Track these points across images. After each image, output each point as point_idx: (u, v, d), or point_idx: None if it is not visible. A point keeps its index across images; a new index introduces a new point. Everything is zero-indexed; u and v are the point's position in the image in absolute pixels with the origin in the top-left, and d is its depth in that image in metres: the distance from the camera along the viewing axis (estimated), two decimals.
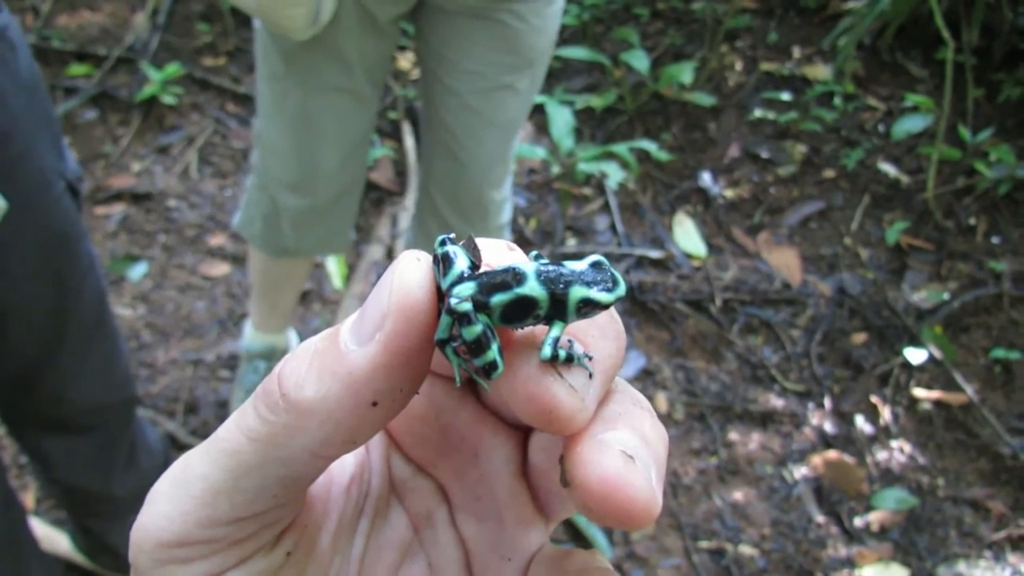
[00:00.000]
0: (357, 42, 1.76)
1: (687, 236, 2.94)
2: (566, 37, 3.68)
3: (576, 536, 2.20)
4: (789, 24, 3.75)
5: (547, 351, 0.36)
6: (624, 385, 0.41)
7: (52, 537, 2.00)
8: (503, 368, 0.37)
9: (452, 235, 0.40)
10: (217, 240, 2.88)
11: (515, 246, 0.41)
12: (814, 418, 2.50)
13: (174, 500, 0.38)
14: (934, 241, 2.96)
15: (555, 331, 0.37)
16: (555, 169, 3.04)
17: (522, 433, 0.46)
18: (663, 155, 3.01)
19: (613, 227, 2.98)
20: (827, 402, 2.53)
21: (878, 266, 2.90)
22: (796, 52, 3.62)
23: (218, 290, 2.73)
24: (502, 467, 0.45)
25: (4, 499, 1.48)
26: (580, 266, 0.39)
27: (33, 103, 1.31)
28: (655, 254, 2.87)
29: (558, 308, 0.37)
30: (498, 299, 0.37)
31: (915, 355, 2.60)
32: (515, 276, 0.37)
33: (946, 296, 2.77)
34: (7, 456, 2.24)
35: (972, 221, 3.00)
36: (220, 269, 2.79)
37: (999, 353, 2.60)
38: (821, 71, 3.53)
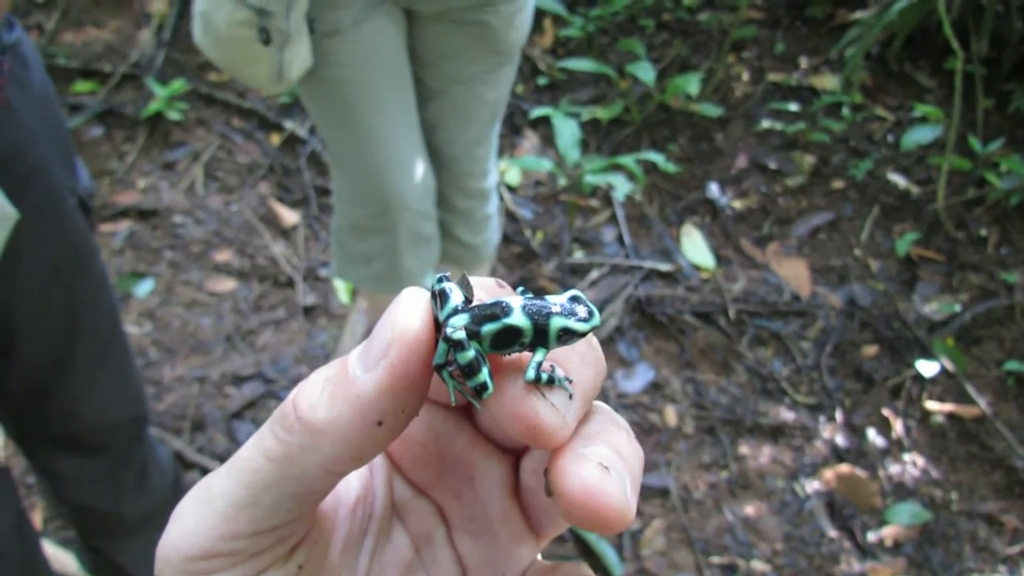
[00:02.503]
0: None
1: (695, 248, 2.92)
2: (571, 49, 3.67)
3: (587, 553, 2.18)
4: (796, 34, 3.73)
5: (531, 373, 0.41)
6: (604, 408, 0.45)
7: (60, 558, 1.98)
8: (493, 389, 0.42)
9: (448, 273, 0.45)
10: (223, 256, 2.87)
11: (504, 283, 0.47)
12: (825, 431, 2.47)
13: (198, 516, 0.42)
14: (945, 252, 2.93)
15: (538, 356, 0.42)
16: (561, 181, 3.02)
17: (514, 457, 0.50)
18: (670, 166, 2.99)
19: (620, 239, 2.97)
20: (838, 415, 2.51)
21: (888, 277, 2.87)
22: (803, 62, 3.61)
23: (224, 306, 2.72)
24: (496, 488, 0.50)
25: (18, 524, 1.47)
26: (560, 299, 0.45)
27: (46, 119, 1.31)
28: (663, 266, 2.86)
29: (541, 336, 0.43)
30: (488, 328, 0.43)
31: (927, 368, 2.58)
32: (503, 308, 0.43)
33: (958, 308, 2.75)
34: (15, 472, 2.23)
35: (983, 232, 2.97)
36: (226, 285, 2.79)
37: (1012, 365, 2.57)
38: (829, 81, 3.51)
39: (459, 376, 0.43)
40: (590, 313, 0.44)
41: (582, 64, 3.26)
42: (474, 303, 0.44)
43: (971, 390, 2.52)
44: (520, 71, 3.53)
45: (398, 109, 1.88)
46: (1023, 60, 3.35)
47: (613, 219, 3.04)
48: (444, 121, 1.99)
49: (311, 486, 0.42)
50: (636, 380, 2.53)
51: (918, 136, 3.05)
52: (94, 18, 3.75)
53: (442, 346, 0.42)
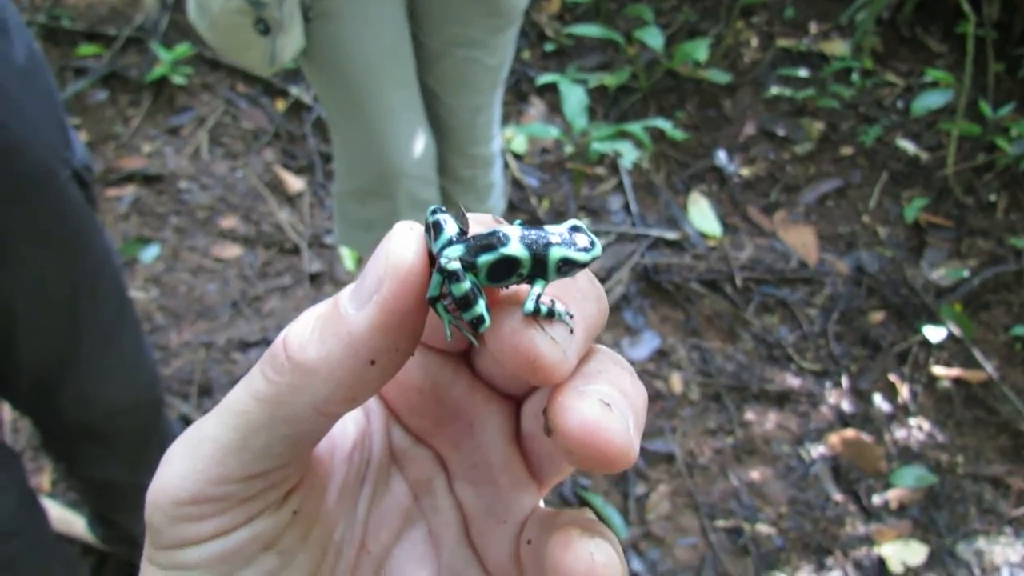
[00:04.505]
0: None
1: (702, 215, 2.91)
2: (579, 15, 3.63)
3: None
4: None
5: (529, 305, 0.39)
6: (606, 348, 0.44)
7: (67, 519, 2.00)
8: (490, 322, 0.40)
9: (443, 206, 0.43)
10: (229, 222, 2.87)
11: (502, 220, 0.45)
12: (831, 397, 2.47)
13: (188, 460, 0.41)
14: (953, 218, 2.91)
15: (537, 288, 0.40)
16: (568, 149, 3.01)
17: (514, 403, 0.49)
18: (678, 134, 2.97)
19: (627, 207, 2.95)
20: (844, 381, 2.51)
21: (896, 244, 2.86)
22: (813, 28, 3.57)
23: (230, 272, 2.72)
24: (496, 435, 0.49)
25: (27, 502, 1.43)
26: (560, 229, 0.43)
27: (32, 89, 1.25)
28: (670, 234, 2.84)
29: (539, 267, 0.41)
30: (484, 259, 0.41)
31: (934, 333, 2.57)
32: (499, 238, 0.41)
33: (966, 273, 2.73)
34: (22, 439, 2.25)
35: (992, 198, 2.95)
36: (232, 251, 2.79)
37: (1019, 331, 2.56)
38: (839, 47, 3.47)
39: (454, 310, 0.41)
40: (591, 243, 0.43)
41: (590, 30, 3.22)
42: (470, 235, 0.42)
43: (978, 355, 2.52)
44: (527, 37, 3.50)
45: (396, 73, 1.86)
46: None
47: (620, 187, 3.03)
48: (445, 87, 1.97)
49: (303, 428, 0.41)
50: (642, 348, 2.53)
51: (928, 101, 3.02)
52: None
53: (436, 278, 0.41)
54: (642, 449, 2.32)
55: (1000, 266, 2.74)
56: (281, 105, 3.27)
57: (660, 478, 2.28)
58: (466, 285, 0.40)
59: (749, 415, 2.42)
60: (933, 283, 2.73)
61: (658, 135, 3.09)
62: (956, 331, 2.57)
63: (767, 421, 2.41)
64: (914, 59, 3.43)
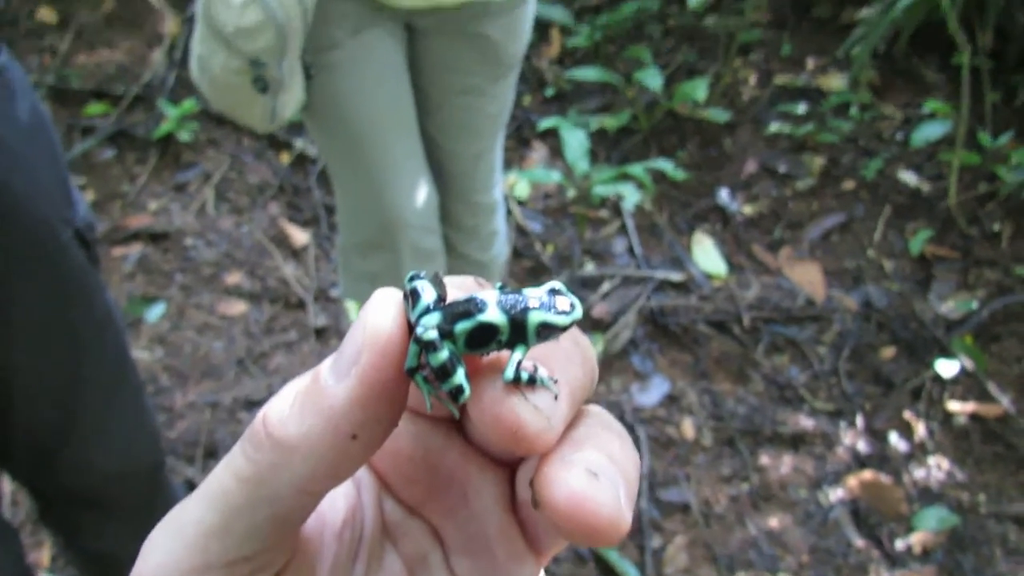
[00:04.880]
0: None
1: (707, 255, 2.90)
2: (578, 58, 3.66)
3: (607, 572, 2.16)
4: (802, 35, 3.71)
5: (509, 373, 0.38)
6: (597, 410, 0.42)
7: None
8: (469, 392, 0.39)
9: (421, 272, 0.42)
10: (234, 278, 2.87)
11: (484, 281, 0.44)
12: (847, 437, 2.44)
13: (168, 549, 0.40)
14: (959, 249, 2.90)
15: (517, 354, 0.39)
16: (570, 193, 3.01)
17: (509, 470, 0.47)
18: (679, 174, 2.98)
19: (631, 249, 2.95)
20: (859, 420, 2.48)
21: (903, 277, 2.84)
22: (810, 63, 3.58)
23: (236, 329, 2.72)
24: (491, 504, 0.46)
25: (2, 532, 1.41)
26: (538, 292, 0.42)
27: (36, 148, 1.25)
28: (675, 276, 2.84)
29: (519, 333, 0.40)
30: (461, 327, 0.40)
31: (947, 367, 2.55)
32: (476, 305, 0.40)
33: (975, 305, 2.71)
34: (21, 512, 2.22)
35: (996, 227, 2.94)
36: (238, 308, 2.79)
37: None
38: (836, 81, 3.49)
39: (433, 380, 0.40)
40: (571, 305, 0.41)
41: (589, 73, 3.24)
42: (448, 301, 0.41)
43: (993, 388, 2.49)
44: (527, 82, 3.53)
45: (397, 122, 1.87)
46: None
47: (623, 229, 3.03)
48: (445, 135, 1.98)
49: (286, 508, 0.39)
50: (652, 393, 2.51)
51: (927, 132, 3.02)
52: (107, 40, 3.76)
53: (413, 348, 0.39)
54: (657, 499, 2.29)
55: (1009, 296, 2.72)
56: (286, 158, 3.30)
57: (676, 529, 2.25)
58: (443, 355, 0.39)
59: (764, 459, 2.39)
60: (942, 316, 2.71)
61: (660, 176, 3.10)
62: (969, 364, 2.55)
63: (782, 465, 2.38)
64: (911, 91, 3.44)
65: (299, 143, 3.30)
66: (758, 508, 2.29)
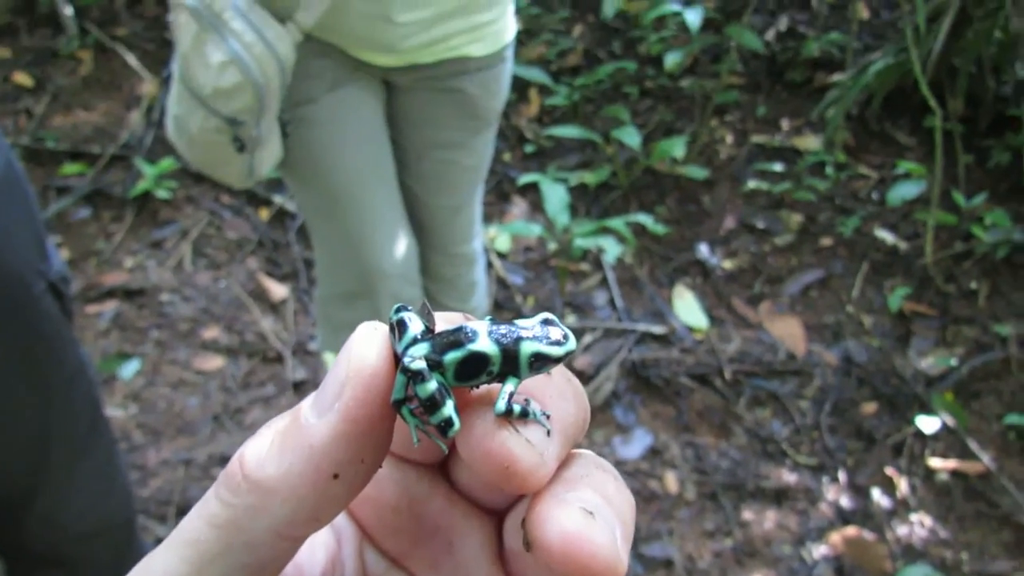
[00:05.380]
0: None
1: (688, 309, 2.91)
2: (557, 117, 3.71)
3: None
4: (776, 98, 3.79)
5: (501, 405, 0.37)
6: (588, 453, 0.41)
7: None
8: (459, 425, 0.37)
9: (408, 305, 0.41)
10: (211, 333, 2.84)
11: (472, 317, 0.42)
12: (829, 493, 2.42)
13: None
14: (937, 306, 2.92)
15: (509, 386, 0.38)
16: (551, 246, 3.02)
17: (496, 518, 0.45)
18: (659, 228, 3.00)
19: (612, 302, 2.95)
20: (841, 476, 2.46)
21: (883, 333, 2.86)
22: (785, 124, 3.66)
23: (212, 385, 2.67)
24: (478, 554, 0.44)
25: None
26: (531, 323, 0.40)
27: (10, 201, 1.24)
28: (656, 328, 2.83)
29: (511, 364, 0.38)
30: (451, 357, 0.38)
31: (928, 424, 2.54)
32: (466, 334, 0.39)
33: (954, 362, 2.72)
34: None
35: (973, 285, 2.97)
36: (214, 363, 2.74)
37: (1013, 419, 2.53)
38: (811, 142, 3.55)
39: (421, 413, 0.38)
40: (564, 336, 0.40)
41: (568, 131, 3.29)
42: (436, 332, 0.40)
43: (973, 446, 2.48)
44: (507, 139, 3.57)
45: (375, 175, 1.87)
46: (999, 118, 3.40)
47: (604, 282, 3.03)
48: (424, 187, 1.99)
49: (263, 555, 0.37)
50: (634, 446, 2.49)
51: (903, 192, 3.07)
52: (83, 102, 3.78)
53: (400, 379, 0.38)
54: (640, 555, 2.25)
55: (987, 354, 2.74)
56: (265, 214, 3.29)
57: None
58: (432, 385, 0.37)
59: (747, 514, 2.36)
60: (922, 372, 2.71)
61: (640, 230, 3.12)
62: (949, 421, 2.54)
63: (766, 520, 2.34)
64: (885, 152, 3.51)
65: (279, 199, 3.31)
66: (742, 564, 2.25)
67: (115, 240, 3.18)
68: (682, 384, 2.67)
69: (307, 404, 0.38)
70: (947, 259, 3.05)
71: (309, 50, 1.68)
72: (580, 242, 2.78)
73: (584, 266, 3.10)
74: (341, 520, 0.46)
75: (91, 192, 3.34)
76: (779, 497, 2.40)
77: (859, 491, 2.43)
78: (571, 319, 2.90)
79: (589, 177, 3.37)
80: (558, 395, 0.40)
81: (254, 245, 3.17)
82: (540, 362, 0.39)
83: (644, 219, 2.89)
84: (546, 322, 0.41)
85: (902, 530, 2.33)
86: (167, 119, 1.75)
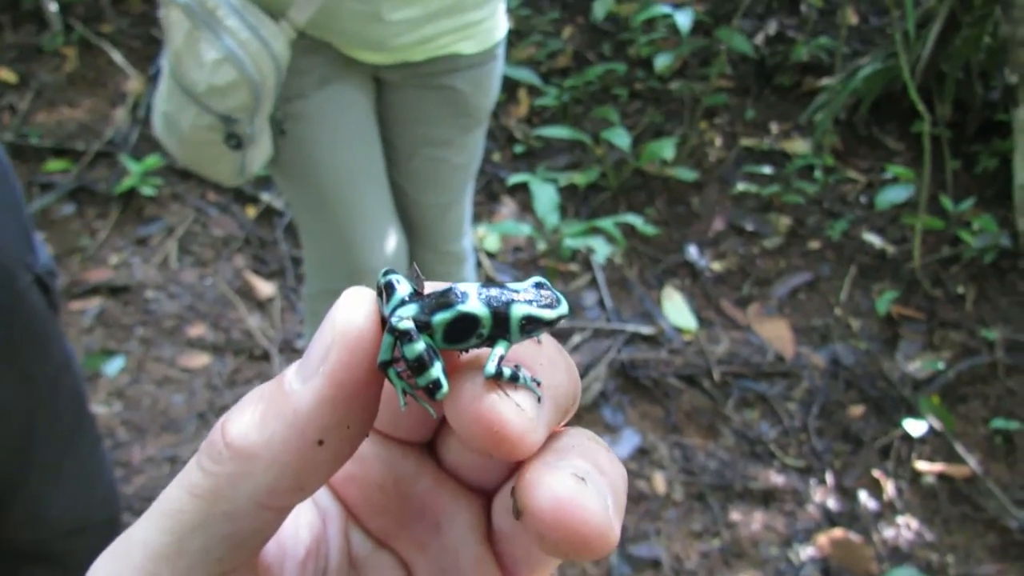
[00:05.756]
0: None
1: (676, 310, 2.91)
2: (546, 118, 3.71)
3: None
4: (765, 101, 3.80)
5: (491, 368, 0.36)
6: (578, 428, 0.40)
7: None
8: (447, 388, 0.36)
9: (394, 269, 0.40)
10: (197, 330, 2.81)
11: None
12: (817, 495, 2.42)
13: (114, 574, 0.36)
14: (924, 310, 2.93)
15: (499, 349, 0.37)
16: (541, 246, 3.01)
17: (485, 498, 0.44)
18: (649, 229, 3.00)
19: (601, 303, 2.94)
20: (829, 478, 2.46)
21: (870, 336, 2.86)
22: (774, 128, 3.67)
23: (197, 382, 2.65)
24: (466, 534, 0.43)
25: None
26: (522, 286, 0.39)
27: None
28: (645, 329, 2.83)
29: (501, 327, 0.38)
30: (440, 318, 0.37)
31: (915, 427, 2.54)
32: (456, 295, 0.38)
33: (941, 366, 2.73)
34: None
35: (960, 290, 2.98)
36: (199, 360, 2.72)
37: (999, 423, 2.54)
38: (800, 145, 3.56)
39: (408, 376, 0.37)
40: (557, 299, 0.39)
41: (558, 131, 3.28)
42: (425, 294, 0.39)
43: (960, 449, 2.49)
44: (496, 139, 3.56)
45: (365, 171, 1.86)
46: (987, 123, 3.42)
47: (593, 283, 3.03)
48: (414, 185, 1.98)
49: (245, 526, 0.36)
50: (622, 446, 2.48)
51: (891, 196, 3.08)
52: (68, 98, 3.74)
53: (387, 339, 0.37)
54: (628, 555, 2.24)
55: (974, 358, 2.75)
56: (252, 212, 3.27)
57: None
58: (420, 346, 0.36)
59: (734, 515, 2.35)
60: (910, 375, 2.72)
61: (629, 231, 3.12)
62: (936, 424, 2.55)
63: (753, 521, 2.34)
64: (873, 156, 3.52)
65: (266, 196, 3.28)
66: (729, 565, 2.24)
67: (100, 237, 3.14)
68: (670, 385, 2.67)
69: (291, 371, 0.37)
70: (935, 263, 3.06)
71: (300, 47, 1.66)
72: (569, 242, 2.77)
73: (573, 266, 3.09)
74: (326, 499, 0.45)
75: (75, 189, 3.30)
76: (766, 498, 2.40)
77: (846, 493, 2.43)
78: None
79: (578, 178, 3.37)
80: (549, 364, 0.39)
81: (241, 243, 3.14)
82: (532, 325, 0.38)
83: (634, 220, 2.89)
84: (538, 285, 0.40)
85: (888, 532, 2.33)
86: (154, 116, 1.72)
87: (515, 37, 3.90)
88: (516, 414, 0.35)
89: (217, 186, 3.35)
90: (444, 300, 0.38)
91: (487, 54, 1.85)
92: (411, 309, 0.38)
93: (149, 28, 4.01)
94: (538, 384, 0.37)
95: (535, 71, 3.69)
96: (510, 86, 3.68)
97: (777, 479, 2.44)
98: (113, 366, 2.67)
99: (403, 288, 0.39)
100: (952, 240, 3.09)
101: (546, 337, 0.41)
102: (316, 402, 0.35)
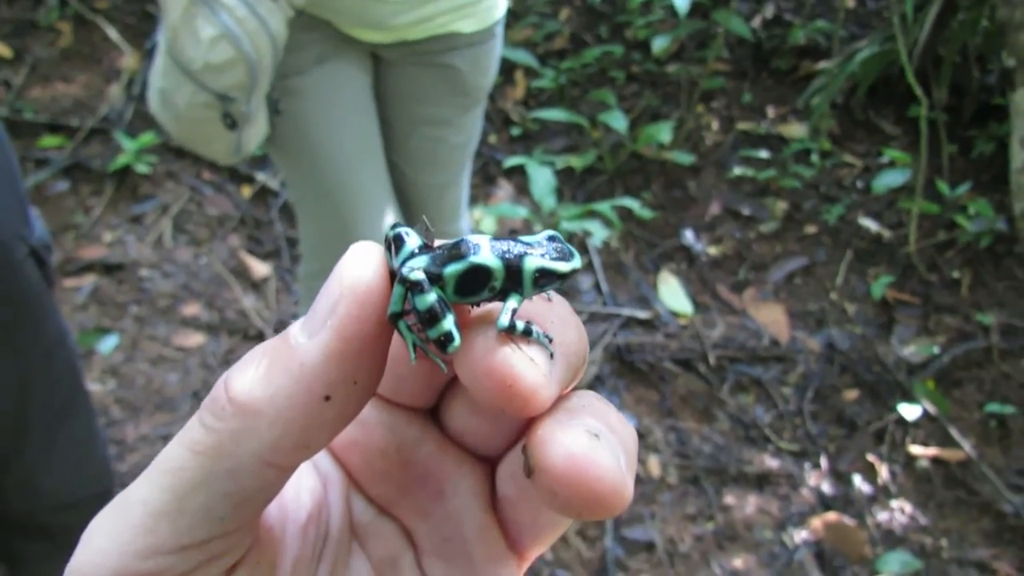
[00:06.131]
0: None
1: (672, 294, 2.90)
2: (543, 100, 3.69)
3: None
4: (762, 85, 3.79)
5: (504, 320, 0.35)
6: (587, 391, 0.39)
7: None
8: (459, 341, 0.36)
9: (402, 223, 0.39)
10: (191, 310, 2.80)
11: None
12: (811, 479, 2.43)
13: (112, 532, 0.35)
14: (919, 295, 2.93)
15: (512, 302, 0.36)
16: (537, 228, 3.00)
17: (489, 465, 0.43)
18: (646, 213, 2.99)
19: (597, 286, 2.94)
20: (823, 462, 2.47)
21: (866, 321, 2.87)
22: (771, 112, 3.65)
23: (192, 361, 2.64)
24: (470, 501, 0.43)
25: None
26: (535, 239, 0.39)
27: None
28: (641, 313, 2.83)
29: (514, 280, 0.37)
30: (452, 269, 0.37)
31: (909, 411, 2.55)
32: (468, 247, 0.37)
33: (936, 350, 2.74)
34: None
35: (956, 274, 2.99)
36: (194, 340, 2.71)
37: (994, 407, 2.55)
38: (796, 129, 3.55)
39: (419, 330, 0.37)
40: (570, 252, 0.39)
41: (554, 114, 3.26)
42: (436, 246, 0.38)
43: (954, 433, 2.50)
44: (492, 122, 3.54)
45: (362, 149, 1.85)
46: (983, 107, 3.41)
47: (589, 266, 3.02)
48: (412, 165, 1.97)
49: (247, 484, 0.35)
50: None
51: (888, 180, 3.08)
52: (63, 74, 3.70)
53: (398, 290, 0.36)
54: (622, 538, 2.24)
55: (969, 342, 2.76)
56: (247, 191, 3.25)
57: (641, 568, 2.20)
58: (431, 297, 0.36)
59: (729, 499, 2.36)
60: (904, 360, 2.73)
61: (626, 214, 3.11)
62: (931, 409, 2.56)
63: (747, 505, 2.35)
64: (870, 141, 3.52)
65: (261, 176, 3.26)
66: (723, 548, 2.25)
67: (94, 214, 3.12)
68: (666, 369, 2.67)
69: (297, 326, 0.36)
70: (930, 248, 3.06)
71: (297, 24, 1.65)
72: (566, 225, 2.77)
73: None
74: (328, 465, 0.45)
75: (70, 165, 3.28)
76: (761, 482, 2.41)
77: (840, 477, 2.44)
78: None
79: (575, 161, 3.35)
80: (560, 322, 0.38)
81: (236, 222, 3.13)
82: (545, 279, 0.38)
83: (631, 203, 2.88)
84: (551, 239, 0.39)
85: (882, 516, 2.35)
86: (150, 92, 1.71)
87: (512, 19, 3.87)
88: (530, 367, 0.34)
89: (212, 165, 3.33)
90: (456, 252, 0.37)
91: (486, 33, 1.83)
92: (422, 260, 0.37)
93: (144, 4, 3.97)
94: (550, 341, 0.36)
95: (532, 53, 3.66)
96: (507, 68, 3.65)
97: (772, 463, 2.45)
98: (107, 344, 2.66)
99: (413, 241, 0.38)
100: (948, 224, 3.09)
101: (556, 296, 0.40)
102: (323, 356, 0.34)
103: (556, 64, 3.76)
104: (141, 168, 3.23)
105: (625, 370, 2.67)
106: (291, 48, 1.66)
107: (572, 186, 3.32)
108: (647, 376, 2.65)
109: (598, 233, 2.73)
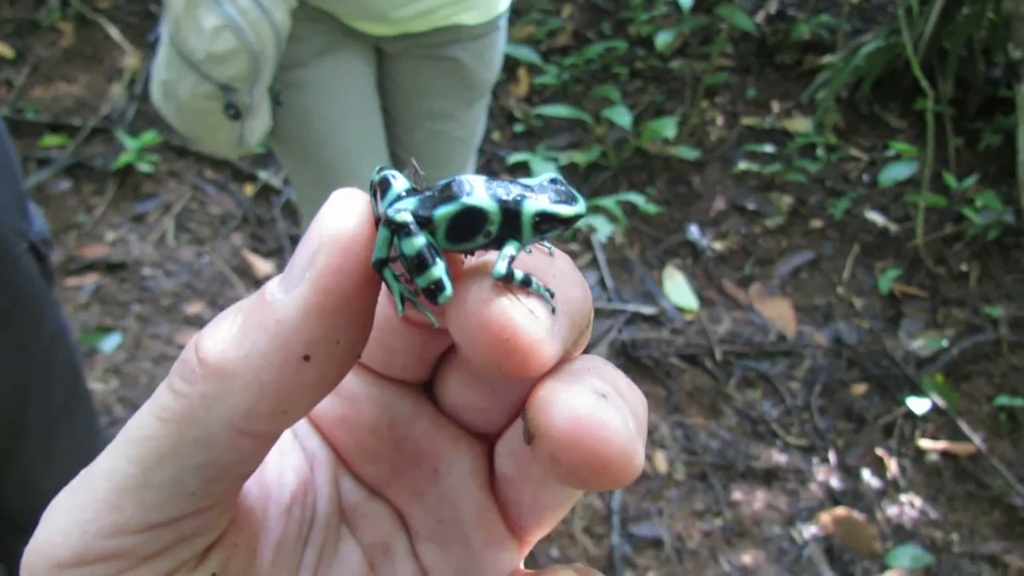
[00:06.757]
0: None
1: (678, 290, 2.88)
2: (546, 97, 3.67)
3: None
4: (766, 80, 3.77)
5: (501, 267, 0.31)
6: (590, 355, 0.35)
7: None
8: (451, 291, 0.32)
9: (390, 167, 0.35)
10: (194, 308, 2.79)
11: None
12: (819, 473, 2.40)
13: (73, 510, 0.32)
14: (927, 288, 2.91)
15: (510, 248, 0.32)
16: None
17: (487, 443, 0.40)
18: (651, 208, 2.97)
19: (602, 282, 2.92)
20: (832, 456, 2.44)
21: (873, 315, 2.84)
22: (775, 106, 3.63)
23: None
24: (466, 481, 0.40)
25: None
26: (535, 182, 0.35)
27: None
28: (647, 309, 2.81)
29: (511, 224, 0.33)
30: (443, 212, 0.33)
31: (918, 405, 2.53)
32: (461, 187, 0.33)
33: (944, 343, 2.72)
34: None
35: (964, 267, 2.96)
36: None
37: (1003, 400, 2.53)
38: (801, 124, 3.53)
39: (406, 278, 0.33)
40: (574, 196, 0.35)
41: (558, 110, 3.25)
42: (426, 188, 0.34)
43: (964, 426, 2.48)
44: (495, 119, 3.52)
45: (365, 143, 1.83)
46: (989, 100, 3.39)
47: (594, 262, 3.00)
48: (416, 155, 1.95)
49: (220, 455, 0.32)
50: None
51: (894, 173, 3.06)
52: (64, 74, 3.70)
53: (383, 233, 0.32)
54: (629, 534, 2.22)
55: (978, 335, 2.73)
56: (250, 190, 3.23)
57: (648, 565, 2.18)
58: (420, 240, 0.32)
59: (737, 495, 2.34)
60: (913, 354, 2.71)
61: (630, 210, 3.09)
62: (940, 402, 2.53)
63: (756, 500, 2.33)
64: (875, 134, 3.49)
65: (263, 174, 3.25)
66: (731, 544, 2.23)
67: (96, 213, 3.11)
68: (672, 365, 2.65)
69: (275, 281, 0.33)
70: (938, 241, 3.04)
71: (300, 15, 1.63)
72: None
73: (574, 246, 3.07)
74: (314, 443, 0.41)
75: (72, 164, 3.27)
76: (769, 477, 2.39)
77: (849, 472, 2.41)
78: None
79: (579, 157, 3.34)
80: (563, 277, 0.34)
81: (238, 221, 3.11)
82: (547, 224, 0.34)
83: (635, 198, 2.86)
84: (553, 180, 0.36)
85: (892, 511, 2.32)
86: (153, 84, 1.69)
87: (514, 16, 3.86)
88: (529, 320, 0.31)
89: (215, 163, 3.32)
90: (447, 193, 0.33)
91: (489, 25, 1.82)
92: (410, 203, 0.33)
93: (146, 3, 3.96)
94: (552, 296, 0.33)
95: (535, 49, 3.65)
96: (510, 65, 3.64)
97: (779, 458, 2.43)
98: (110, 343, 2.65)
99: (400, 184, 0.35)
100: (955, 217, 3.07)
101: (557, 251, 0.37)
102: (301, 311, 0.31)
103: (559, 61, 3.74)
104: (143, 167, 3.22)
105: (631, 366, 2.65)
106: (293, 39, 1.64)
107: (576, 182, 3.30)
108: (653, 372, 2.63)
109: (603, 229, 2.71)
